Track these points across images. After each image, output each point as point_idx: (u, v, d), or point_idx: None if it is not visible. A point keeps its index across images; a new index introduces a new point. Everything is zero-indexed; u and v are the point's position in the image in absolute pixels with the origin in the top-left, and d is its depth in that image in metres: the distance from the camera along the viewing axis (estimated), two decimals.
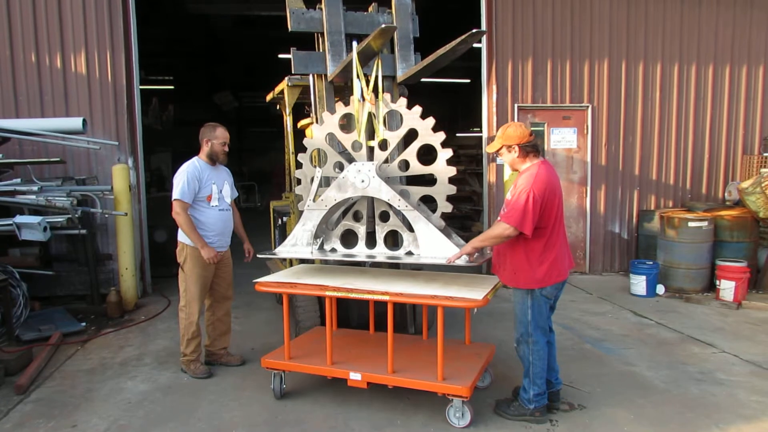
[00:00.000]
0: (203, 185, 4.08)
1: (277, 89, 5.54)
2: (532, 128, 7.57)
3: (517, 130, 3.33)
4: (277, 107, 6.20)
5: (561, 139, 7.65)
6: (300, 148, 4.29)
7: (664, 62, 7.65)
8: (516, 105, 7.45)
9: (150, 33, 8.75)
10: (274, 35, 9.44)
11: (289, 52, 4.44)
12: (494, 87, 7.40)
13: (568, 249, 3.50)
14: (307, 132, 5.33)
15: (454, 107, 17.49)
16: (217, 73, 16.60)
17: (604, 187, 7.70)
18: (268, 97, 6.01)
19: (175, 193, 3.96)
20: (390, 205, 3.75)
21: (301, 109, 5.60)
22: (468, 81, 13.97)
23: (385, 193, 3.69)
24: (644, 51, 7.60)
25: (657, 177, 7.80)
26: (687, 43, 7.67)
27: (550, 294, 3.36)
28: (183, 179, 3.98)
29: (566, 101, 7.54)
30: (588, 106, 7.58)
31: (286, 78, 5.05)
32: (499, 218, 3.28)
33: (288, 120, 5.45)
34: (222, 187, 4.22)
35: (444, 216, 3.86)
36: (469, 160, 11.04)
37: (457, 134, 14.64)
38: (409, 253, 3.73)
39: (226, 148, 4.17)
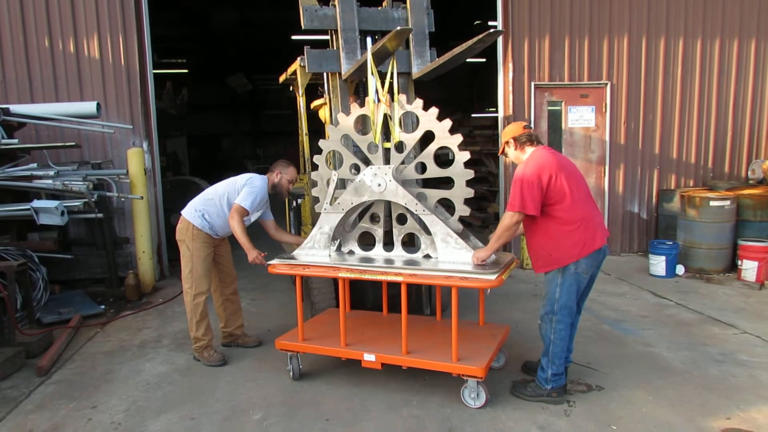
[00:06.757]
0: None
1: (290, 70, 5.47)
2: (549, 107, 7.47)
3: (511, 127, 3.58)
4: (290, 88, 6.14)
5: (579, 117, 7.49)
6: (313, 128, 4.23)
7: (686, 37, 7.42)
8: (533, 83, 7.30)
9: (162, 16, 8.71)
10: (287, 16, 9.34)
11: (301, 33, 4.37)
12: (510, 65, 7.25)
13: (601, 220, 3.45)
14: (320, 113, 5.28)
15: (469, 87, 17.25)
16: (230, 55, 16.53)
17: (623, 167, 7.55)
18: (281, 79, 5.96)
19: (245, 202, 4.07)
20: (407, 208, 3.72)
21: (314, 90, 5.55)
22: (484, 60, 13.73)
23: (402, 197, 3.65)
24: (666, 25, 7.38)
25: (678, 155, 7.62)
26: (711, 17, 7.42)
27: (586, 270, 3.32)
28: (255, 196, 4.13)
29: (584, 79, 7.37)
30: (607, 84, 7.41)
31: (299, 58, 4.99)
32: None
33: (301, 101, 5.40)
34: (255, 211, 4.28)
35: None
36: (485, 141, 10.89)
37: (473, 114, 14.43)
38: (427, 257, 3.70)
39: (291, 187, 4.39)
